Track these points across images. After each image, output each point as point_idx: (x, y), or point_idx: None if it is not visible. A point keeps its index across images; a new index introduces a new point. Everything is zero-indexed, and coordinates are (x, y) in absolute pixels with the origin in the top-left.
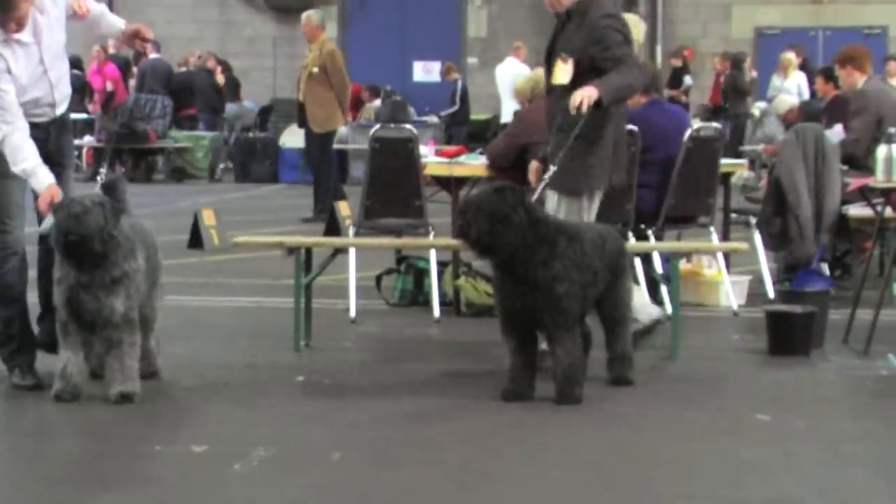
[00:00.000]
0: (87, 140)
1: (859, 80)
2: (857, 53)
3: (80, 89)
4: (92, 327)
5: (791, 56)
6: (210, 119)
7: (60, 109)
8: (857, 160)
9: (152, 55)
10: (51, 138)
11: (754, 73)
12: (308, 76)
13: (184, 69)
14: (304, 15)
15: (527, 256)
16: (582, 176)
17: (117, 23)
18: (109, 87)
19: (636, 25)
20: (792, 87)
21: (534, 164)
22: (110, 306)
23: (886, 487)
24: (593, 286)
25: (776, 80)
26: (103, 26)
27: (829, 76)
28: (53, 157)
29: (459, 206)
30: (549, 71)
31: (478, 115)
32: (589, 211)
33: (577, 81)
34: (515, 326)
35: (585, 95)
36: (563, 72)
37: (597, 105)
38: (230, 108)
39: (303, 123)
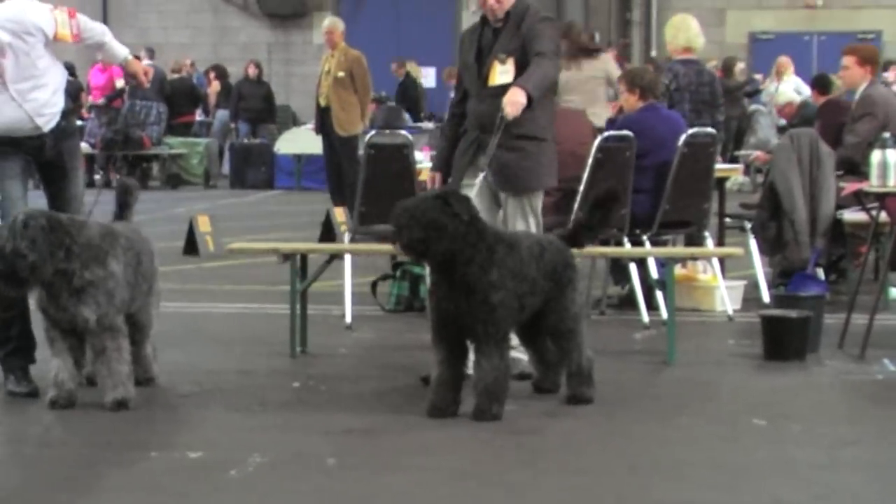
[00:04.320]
0: (82, 147)
1: (864, 82)
2: (876, 57)
3: (76, 95)
4: (77, 333)
5: (785, 59)
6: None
7: (50, 124)
8: (857, 166)
9: (146, 61)
10: (47, 146)
11: (758, 75)
12: (333, 81)
13: (177, 76)
14: (328, 21)
15: (466, 261)
16: (537, 174)
17: (120, 53)
18: (120, 83)
19: (687, 27)
20: (788, 91)
21: (430, 176)
22: (81, 315)
23: (883, 492)
24: (531, 296)
25: (770, 86)
26: (105, 54)
27: (822, 85)
28: (54, 162)
29: (394, 211)
30: (478, 74)
31: None
32: (538, 208)
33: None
34: (446, 334)
35: (515, 102)
36: (503, 73)
37: (528, 104)
38: (222, 114)
39: (322, 129)
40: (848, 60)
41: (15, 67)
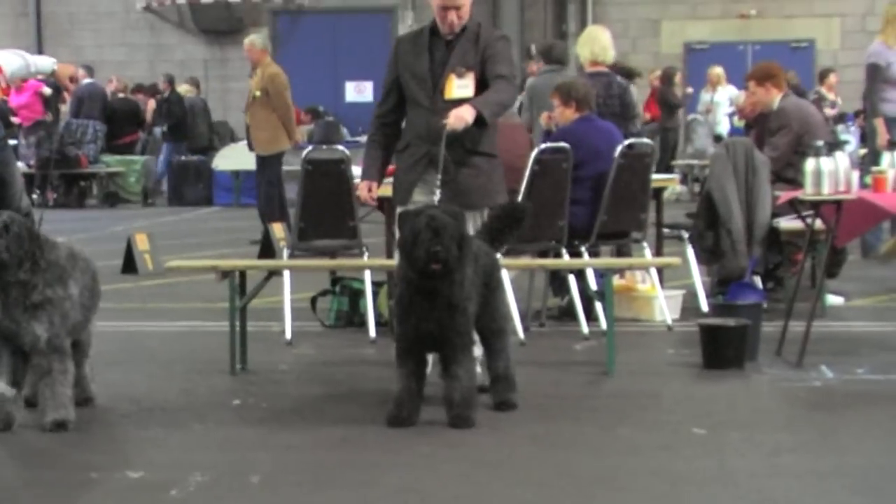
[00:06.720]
0: (19, 167)
1: (776, 97)
2: (775, 71)
3: (6, 119)
4: (23, 354)
5: (719, 70)
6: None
7: None
8: (776, 175)
9: (85, 80)
10: None
11: (689, 89)
12: (252, 100)
13: (122, 95)
14: (246, 40)
15: (453, 277)
16: (491, 192)
17: (48, 67)
18: (47, 91)
19: (593, 40)
20: (723, 101)
21: (364, 184)
22: (32, 331)
23: (822, 499)
24: (476, 300)
25: (705, 95)
26: (33, 73)
27: None
28: None
29: (428, 230)
30: (433, 86)
31: None
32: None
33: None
34: (416, 351)
35: (460, 118)
36: (461, 87)
37: (479, 122)
38: (158, 131)
39: (251, 147)
40: (750, 86)
41: None
